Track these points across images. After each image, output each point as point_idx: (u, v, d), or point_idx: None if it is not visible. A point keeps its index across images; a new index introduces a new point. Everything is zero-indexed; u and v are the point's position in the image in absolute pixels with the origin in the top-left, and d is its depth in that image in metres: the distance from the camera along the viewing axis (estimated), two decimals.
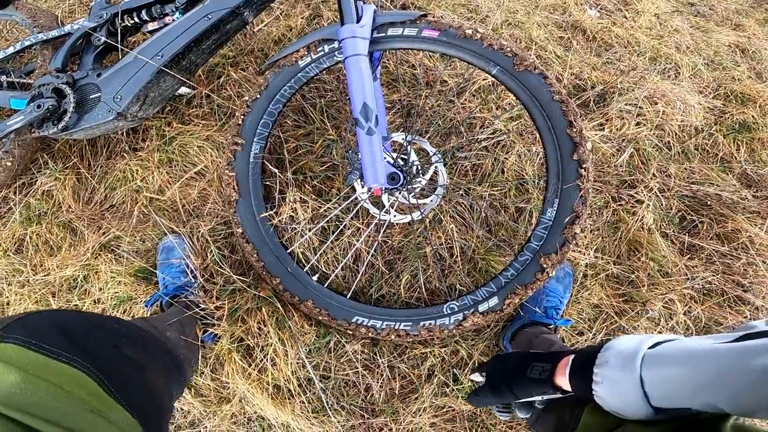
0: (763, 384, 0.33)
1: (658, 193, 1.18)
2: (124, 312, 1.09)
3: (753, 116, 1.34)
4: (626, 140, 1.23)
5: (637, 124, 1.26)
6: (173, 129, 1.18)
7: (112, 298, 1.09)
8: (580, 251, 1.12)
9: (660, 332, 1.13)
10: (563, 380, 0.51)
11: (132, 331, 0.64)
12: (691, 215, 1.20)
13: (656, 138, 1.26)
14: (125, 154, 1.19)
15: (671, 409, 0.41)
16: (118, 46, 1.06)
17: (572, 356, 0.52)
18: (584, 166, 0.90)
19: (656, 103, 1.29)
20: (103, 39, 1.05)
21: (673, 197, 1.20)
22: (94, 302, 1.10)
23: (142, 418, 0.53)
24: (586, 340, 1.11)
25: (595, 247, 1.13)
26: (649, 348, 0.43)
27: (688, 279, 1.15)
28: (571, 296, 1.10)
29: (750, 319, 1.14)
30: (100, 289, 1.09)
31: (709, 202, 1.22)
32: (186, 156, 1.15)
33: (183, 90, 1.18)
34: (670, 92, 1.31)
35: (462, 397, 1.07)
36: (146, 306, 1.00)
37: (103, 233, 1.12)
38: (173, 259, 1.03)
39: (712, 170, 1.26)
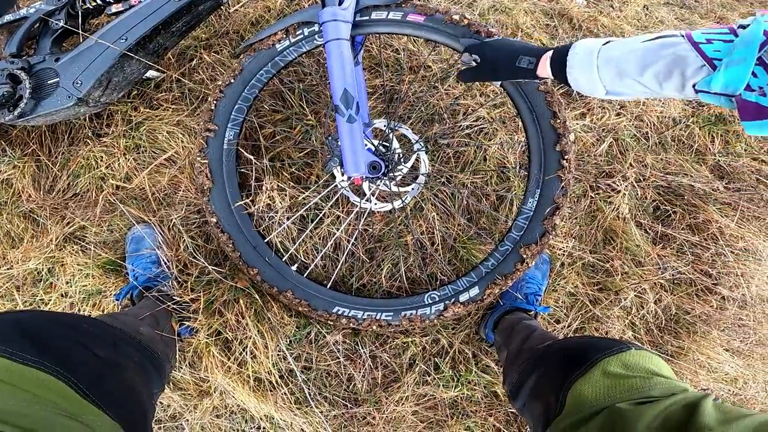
0: (671, 62, 0.49)
1: (635, 183, 1.20)
2: (94, 306, 1.04)
3: (728, 109, 1.37)
4: (606, 130, 1.24)
5: (618, 114, 1.27)
6: (140, 114, 1.11)
7: (80, 292, 1.04)
8: (558, 240, 1.14)
9: (632, 321, 1.17)
10: (544, 70, 0.62)
11: (101, 329, 0.62)
12: (665, 205, 1.24)
13: (635, 128, 1.28)
14: (89, 141, 1.12)
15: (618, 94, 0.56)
16: (78, 31, 0.98)
17: (550, 52, 0.63)
18: (566, 157, 0.91)
19: None
20: (62, 22, 0.98)
21: (649, 187, 1.23)
22: (62, 296, 1.05)
23: (123, 420, 0.51)
24: (563, 328, 1.14)
25: (572, 235, 1.15)
26: (603, 44, 0.57)
27: (660, 269, 1.18)
28: (548, 283, 1.11)
29: (717, 309, 1.20)
30: (67, 283, 1.03)
31: (682, 193, 1.25)
32: (155, 142, 1.09)
33: (151, 73, 1.12)
34: None
35: (443, 385, 1.08)
36: (117, 299, 0.95)
37: (67, 223, 1.06)
38: (143, 250, 0.99)
39: (687, 161, 1.30)
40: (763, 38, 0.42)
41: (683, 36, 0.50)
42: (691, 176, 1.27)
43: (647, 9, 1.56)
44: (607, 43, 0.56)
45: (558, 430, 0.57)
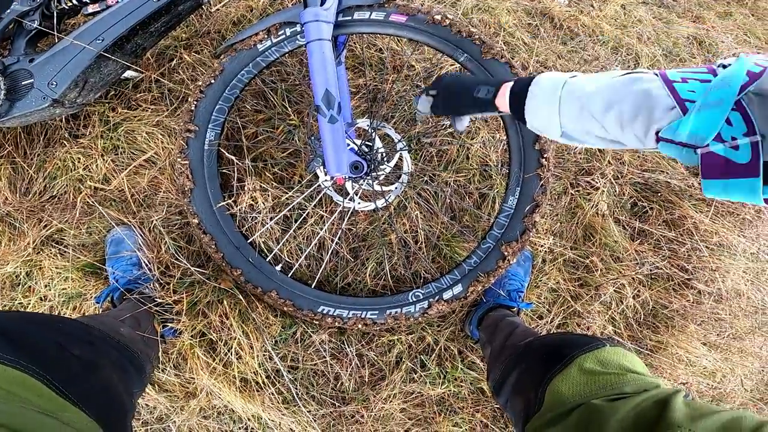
0: (640, 100, 0.43)
1: (613, 180, 1.24)
2: (74, 309, 1.02)
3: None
4: None
5: None
6: (118, 114, 1.09)
7: (60, 295, 1.02)
8: (539, 236, 1.16)
9: (612, 317, 1.20)
10: (503, 101, 0.59)
11: (77, 328, 0.61)
12: (642, 201, 1.27)
13: None
14: (65, 142, 1.09)
15: (574, 139, 0.52)
16: (54, 33, 0.96)
17: (511, 82, 0.59)
18: (545, 156, 0.92)
19: None
20: (36, 23, 0.96)
21: (626, 184, 1.26)
22: (41, 299, 1.03)
23: (101, 418, 0.51)
24: (545, 324, 1.16)
25: (553, 232, 1.17)
26: (570, 77, 0.53)
27: (638, 264, 1.22)
28: (531, 280, 1.14)
29: (694, 303, 1.24)
30: (46, 286, 1.01)
31: (658, 189, 1.29)
32: (133, 143, 1.08)
33: (129, 74, 1.10)
34: None
35: (430, 382, 1.09)
36: (97, 302, 0.94)
37: (45, 226, 1.03)
38: (123, 252, 0.97)
39: (663, 159, 1.33)
40: (746, 79, 0.36)
41: (657, 74, 0.45)
42: (667, 173, 1.31)
43: (625, 8, 1.60)
44: (574, 76, 0.52)
45: (536, 426, 0.59)
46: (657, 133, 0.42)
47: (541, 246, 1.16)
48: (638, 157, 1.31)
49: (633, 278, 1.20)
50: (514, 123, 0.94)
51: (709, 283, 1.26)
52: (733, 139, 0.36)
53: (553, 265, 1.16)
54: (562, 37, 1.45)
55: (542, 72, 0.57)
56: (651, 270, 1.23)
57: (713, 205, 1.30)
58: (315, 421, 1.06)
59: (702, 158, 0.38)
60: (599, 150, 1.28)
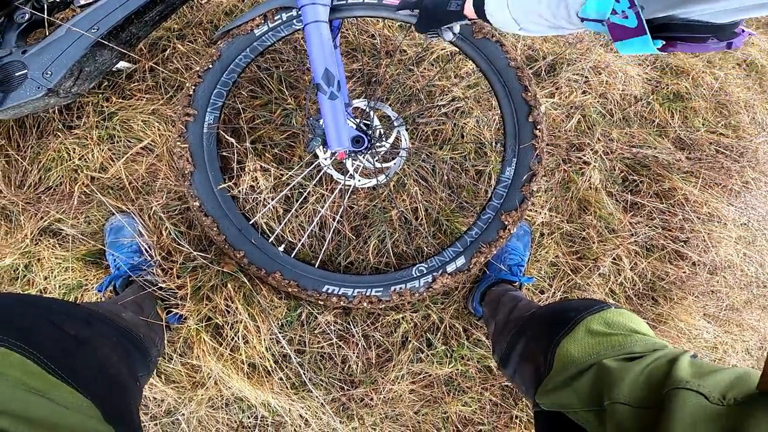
0: None
1: (603, 156, 1.27)
2: (76, 300, 1.00)
3: (686, 87, 1.47)
4: (574, 107, 1.31)
5: (584, 92, 1.34)
6: (113, 104, 1.09)
7: (60, 287, 1.00)
8: (536, 211, 1.18)
9: (611, 289, 1.22)
10: (470, 10, 0.68)
11: (71, 308, 0.59)
12: (632, 175, 1.31)
13: (600, 105, 1.35)
14: (59, 133, 1.08)
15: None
16: (46, 19, 0.96)
17: None
18: (539, 127, 0.95)
19: (600, 74, 1.37)
20: (28, 15, 0.96)
21: (616, 159, 1.30)
22: (41, 291, 1.01)
23: (97, 398, 0.49)
24: (547, 298, 1.18)
25: (549, 207, 1.20)
26: None
27: (633, 235, 1.25)
28: (530, 254, 1.16)
29: (690, 275, 1.27)
30: (46, 278, 1.00)
31: (648, 164, 1.33)
32: (129, 131, 1.07)
33: (122, 64, 1.10)
34: (613, 64, 1.40)
35: (437, 362, 1.10)
36: (99, 291, 0.92)
37: (41, 217, 1.02)
38: (123, 239, 0.96)
39: (650, 135, 1.38)
40: None
41: None
42: (655, 148, 1.35)
43: None
44: None
45: (549, 389, 0.59)
46: (577, 15, 0.52)
47: (539, 221, 1.18)
48: (626, 134, 1.36)
49: (629, 250, 1.23)
50: (508, 97, 0.97)
51: (702, 254, 1.29)
52: (623, 11, 0.46)
53: (551, 238, 1.18)
54: None
55: None
56: (645, 240, 1.26)
57: (700, 177, 1.34)
58: (325, 405, 1.05)
59: (608, 28, 0.49)
60: (588, 128, 1.32)
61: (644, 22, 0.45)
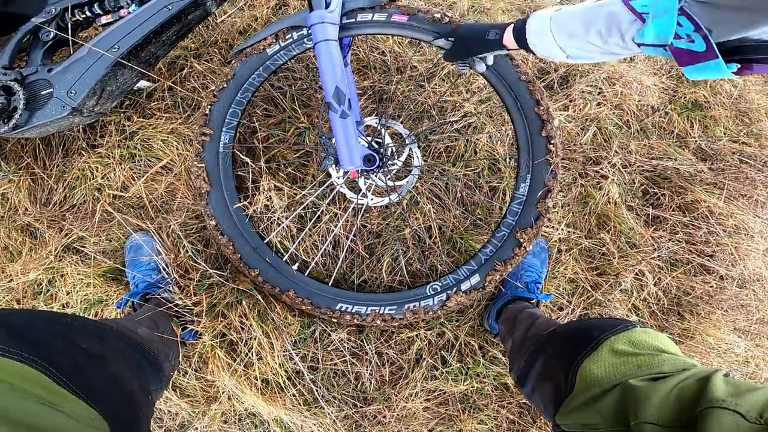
0: (609, 19, 0.52)
1: (621, 169, 1.24)
2: (95, 315, 1.03)
3: (704, 95, 1.42)
4: (589, 120, 1.28)
5: (598, 104, 1.31)
6: (134, 123, 1.13)
7: (81, 301, 1.03)
8: (552, 227, 1.16)
9: (634, 305, 1.18)
10: (510, 41, 0.67)
11: (86, 324, 0.61)
12: (653, 188, 1.27)
13: (616, 117, 1.32)
14: (83, 152, 1.13)
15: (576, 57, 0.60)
16: (70, 38, 1.00)
17: (512, 26, 0.68)
18: (552, 141, 0.93)
19: (614, 84, 1.35)
20: (52, 34, 1.00)
21: (636, 172, 1.27)
22: (63, 306, 1.04)
23: (108, 412, 0.50)
24: (566, 315, 1.15)
25: (566, 222, 1.17)
26: (555, 11, 0.62)
27: (655, 249, 1.21)
28: (548, 271, 1.13)
29: (717, 289, 1.22)
30: (68, 293, 1.03)
31: (668, 176, 1.29)
32: (150, 150, 1.11)
33: (142, 84, 1.14)
34: (627, 73, 1.37)
35: (452, 379, 1.08)
36: (118, 307, 0.95)
37: (66, 235, 1.06)
38: (142, 257, 0.99)
39: (669, 146, 1.34)
40: None
41: None
42: (676, 160, 1.31)
43: None
44: (558, 10, 0.62)
45: (570, 410, 0.58)
46: (633, 40, 0.50)
47: (555, 236, 1.16)
48: (644, 145, 1.32)
49: (652, 265, 1.19)
50: (520, 112, 0.96)
51: (730, 267, 1.24)
52: (688, 35, 0.45)
53: (569, 255, 1.16)
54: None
55: (536, 10, 0.67)
56: (669, 255, 1.22)
57: (725, 189, 1.30)
58: (338, 422, 1.04)
59: (672, 52, 0.47)
60: (604, 140, 1.29)
61: (714, 45, 0.43)
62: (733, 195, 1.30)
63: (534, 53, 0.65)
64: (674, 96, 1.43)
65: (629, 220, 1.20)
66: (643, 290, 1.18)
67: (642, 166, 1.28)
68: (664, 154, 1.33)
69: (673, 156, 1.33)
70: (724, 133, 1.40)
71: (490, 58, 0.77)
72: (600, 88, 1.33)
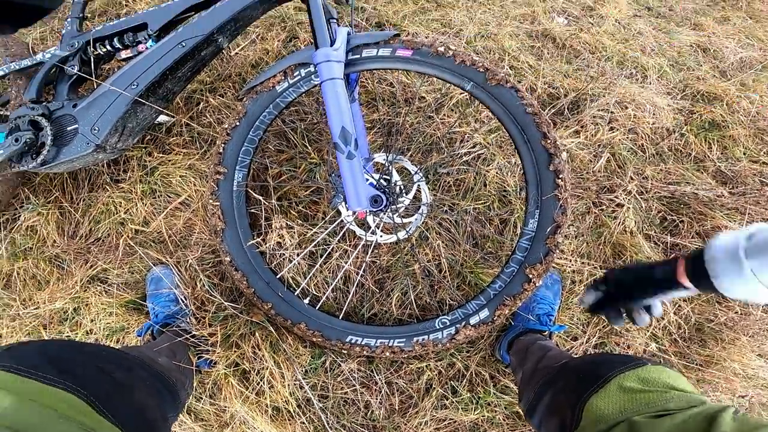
0: None
1: (637, 196, 1.22)
2: (117, 341, 1.09)
3: (721, 114, 1.38)
4: (601, 146, 1.27)
5: (611, 129, 1.29)
6: (154, 159, 1.18)
7: (104, 329, 1.08)
8: (566, 258, 1.15)
9: (654, 333, 1.15)
10: (685, 280, 0.54)
11: (116, 355, 0.66)
12: (672, 215, 1.24)
13: (630, 142, 1.30)
14: (107, 187, 1.19)
15: None
16: (92, 78, 1.04)
17: (683, 261, 0.55)
18: (561, 176, 0.93)
19: (627, 108, 1.32)
20: (76, 68, 1.03)
21: (652, 198, 1.24)
22: (87, 333, 1.10)
23: None
24: (580, 345, 1.13)
25: (580, 253, 1.16)
26: (747, 236, 0.47)
27: None
28: (561, 302, 1.12)
29: (742, 315, 1.18)
30: (92, 321, 1.08)
31: (687, 201, 1.25)
32: (169, 186, 1.16)
33: (162, 118, 1.18)
34: (639, 95, 1.35)
35: (462, 408, 1.08)
36: (138, 335, 1.00)
37: (91, 266, 1.11)
38: (162, 289, 1.03)
39: (687, 170, 1.30)
40: None
41: None
42: (694, 184, 1.28)
43: (620, 22, 1.60)
44: (752, 235, 0.47)
45: None
46: None
47: (570, 268, 1.14)
48: (661, 170, 1.29)
49: None
50: (527, 146, 0.95)
51: None
52: None
53: (584, 286, 1.14)
54: (566, 56, 1.46)
55: (716, 238, 0.51)
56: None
57: (746, 213, 1.25)
58: None
59: None
60: (618, 167, 1.27)
61: None
62: (755, 219, 1.26)
63: (723, 295, 0.51)
64: (690, 117, 1.39)
65: (646, 248, 1.18)
66: (663, 318, 1.15)
67: (659, 192, 1.25)
68: (682, 178, 1.30)
69: (692, 180, 1.29)
70: (744, 154, 1.36)
71: (658, 306, 0.61)
72: (612, 112, 1.31)
